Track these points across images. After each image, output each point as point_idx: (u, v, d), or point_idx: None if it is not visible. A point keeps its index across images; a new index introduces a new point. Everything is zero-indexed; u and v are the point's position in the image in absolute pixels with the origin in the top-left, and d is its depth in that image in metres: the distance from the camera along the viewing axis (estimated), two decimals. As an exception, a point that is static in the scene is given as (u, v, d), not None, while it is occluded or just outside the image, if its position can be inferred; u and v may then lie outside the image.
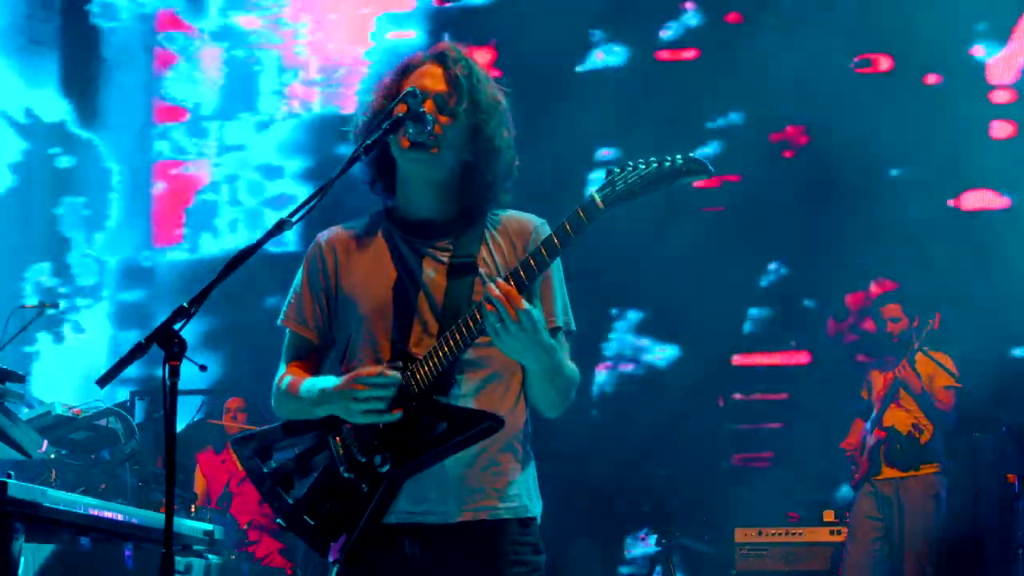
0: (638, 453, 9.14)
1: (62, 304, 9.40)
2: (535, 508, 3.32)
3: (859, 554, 7.94)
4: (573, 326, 3.37)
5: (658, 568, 8.37)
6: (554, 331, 3.27)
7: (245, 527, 8.12)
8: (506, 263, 3.28)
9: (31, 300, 9.92)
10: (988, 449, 8.22)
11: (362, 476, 3.20)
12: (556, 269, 3.33)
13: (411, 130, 3.22)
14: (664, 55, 10.41)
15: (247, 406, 9.06)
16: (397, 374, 3.12)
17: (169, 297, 10.46)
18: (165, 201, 11.38)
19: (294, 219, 3.08)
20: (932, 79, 9.73)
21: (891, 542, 7.90)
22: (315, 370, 3.40)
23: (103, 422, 6.13)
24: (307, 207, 3.11)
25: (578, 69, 10.45)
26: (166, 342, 2.87)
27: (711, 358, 9.70)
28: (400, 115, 3.20)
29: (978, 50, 9.66)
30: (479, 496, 3.21)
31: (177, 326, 2.90)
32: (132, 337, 9.29)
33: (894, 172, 9.71)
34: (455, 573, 3.20)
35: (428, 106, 3.25)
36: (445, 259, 3.30)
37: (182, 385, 2.92)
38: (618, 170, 3.02)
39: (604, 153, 10.22)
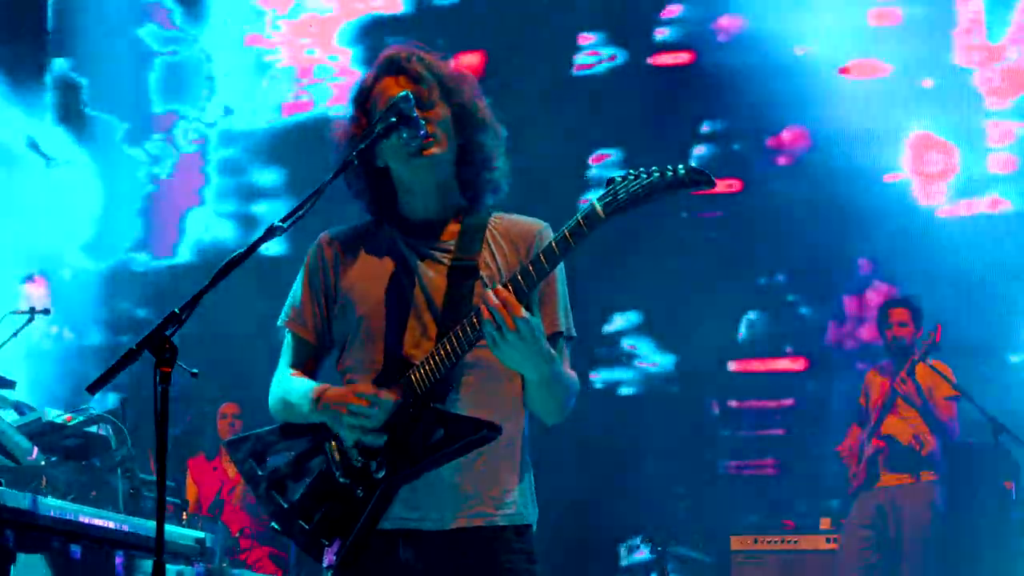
0: (632, 460, 9.12)
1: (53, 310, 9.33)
2: (531, 516, 3.30)
3: (849, 563, 7.90)
4: (574, 332, 3.36)
5: (653, 576, 8.33)
6: (555, 336, 3.27)
7: (237, 534, 8.09)
8: (508, 266, 3.27)
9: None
10: (985, 456, 8.18)
11: (357, 481, 3.18)
12: (559, 273, 3.32)
13: (404, 136, 3.20)
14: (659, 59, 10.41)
15: (242, 412, 9.03)
16: (392, 399, 3.11)
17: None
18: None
19: (286, 224, 3.06)
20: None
21: (886, 551, 7.86)
22: (315, 371, 3.41)
23: (94, 429, 6.09)
24: (299, 213, 3.09)
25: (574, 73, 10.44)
26: (157, 348, 2.86)
27: (707, 365, 9.69)
28: (392, 120, 3.18)
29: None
30: (474, 503, 3.19)
31: (168, 332, 2.88)
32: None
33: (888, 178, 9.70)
34: (449, 580, 3.18)
35: (415, 110, 3.21)
36: (446, 261, 3.28)
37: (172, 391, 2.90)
38: (619, 179, 2.99)
39: (595, 160, 10.21)
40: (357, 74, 10.64)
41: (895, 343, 8.04)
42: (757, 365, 9.90)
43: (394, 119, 3.18)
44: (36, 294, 10.51)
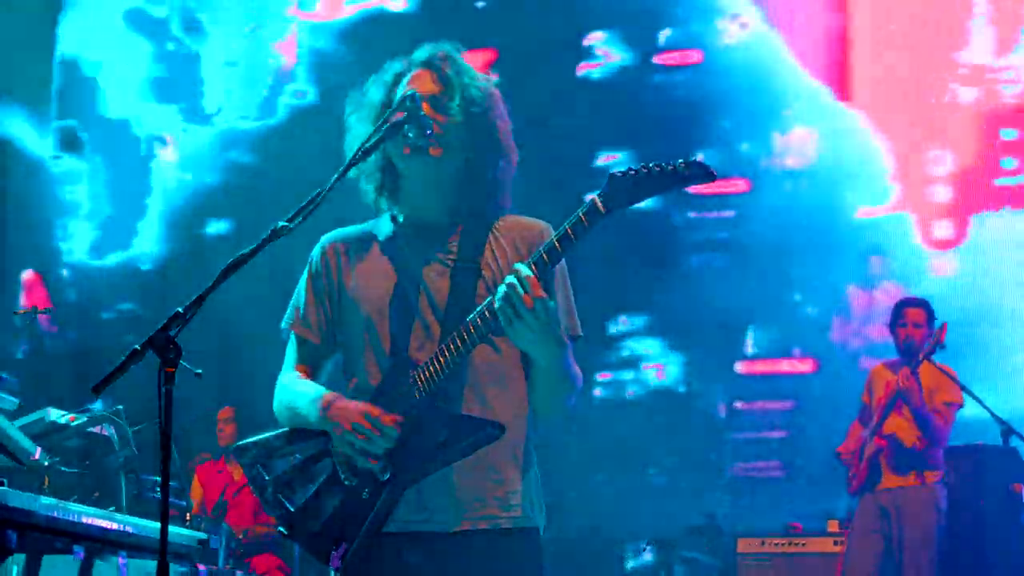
0: (639, 462, 9.10)
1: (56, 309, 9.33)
2: (537, 518, 3.30)
3: (856, 566, 7.84)
4: (580, 331, 3.35)
5: (659, 578, 8.31)
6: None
7: (240, 536, 8.06)
8: (510, 267, 3.21)
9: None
10: (993, 458, 8.13)
11: (363, 484, 3.18)
12: (562, 273, 3.31)
13: (411, 134, 3.20)
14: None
15: (236, 416, 9.00)
16: (396, 432, 3.10)
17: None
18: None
19: (291, 225, 3.05)
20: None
21: (890, 554, 7.80)
22: (319, 373, 3.40)
23: (97, 429, 6.07)
24: (303, 213, 3.08)
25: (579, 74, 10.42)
26: (162, 348, 2.85)
27: (714, 366, 9.67)
28: (399, 119, 3.19)
29: None
30: (480, 505, 3.19)
31: (173, 332, 2.87)
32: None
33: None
34: (456, 582, 3.17)
35: (424, 109, 3.23)
36: (449, 263, 3.28)
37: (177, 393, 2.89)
38: (619, 174, 2.99)
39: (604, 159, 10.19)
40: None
41: (908, 343, 7.95)
42: (764, 366, 9.87)
43: (400, 117, 3.19)
44: (38, 293, 10.50)
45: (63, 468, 5.70)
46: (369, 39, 10.87)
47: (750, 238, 9.56)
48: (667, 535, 8.35)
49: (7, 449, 5.16)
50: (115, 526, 4.90)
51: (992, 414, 7.83)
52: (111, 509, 5.21)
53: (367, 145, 3.19)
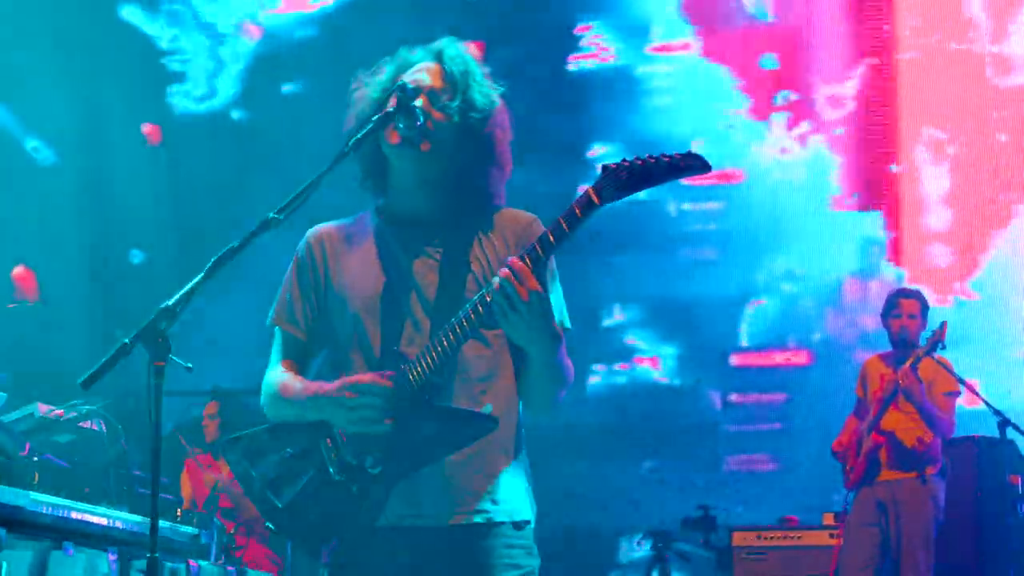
0: (633, 455, 9.10)
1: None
2: (529, 511, 3.28)
3: (852, 560, 7.80)
4: (568, 323, 3.32)
5: (655, 572, 8.28)
6: None
7: (232, 531, 8.03)
8: (500, 261, 3.22)
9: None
10: (990, 450, 8.12)
11: (353, 478, 3.16)
12: (551, 267, 3.27)
13: (401, 125, 3.17)
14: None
15: (219, 410, 8.95)
16: (389, 384, 3.07)
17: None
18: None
19: (281, 216, 3.03)
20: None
21: (887, 547, 7.78)
22: (306, 369, 3.37)
23: (87, 424, 6.04)
24: (294, 204, 3.06)
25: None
26: (151, 342, 2.84)
27: (708, 358, 9.67)
28: (390, 109, 3.16)
29: None
30: (471, 499, 3.17)
31: (162, 326, 2.87)
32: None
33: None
34: (447, 576, 3.16)
35: (422, 101, 3.20)
36: (437, 256, 3.26)
37: (167, 387, 2.89)
38: (613, 166, 2.97)
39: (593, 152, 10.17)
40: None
41: (902, 334, 7.90)
42: (758, 358, 9.86)
43: (391, 108, 3.16)
44: (27, 287, 10.45)
45: (52, 463, 5.68)
46: (355, 28, 10.82)
47: (744, 228, 9.57)
48: (661, 528, 8.32)
49: (-4, 445, 5.15)
50: (105, 522, 4.90)
51: (988, 405, 7.82)
52: (101, 504, 5.19)
53: (358, 136, 3.17)
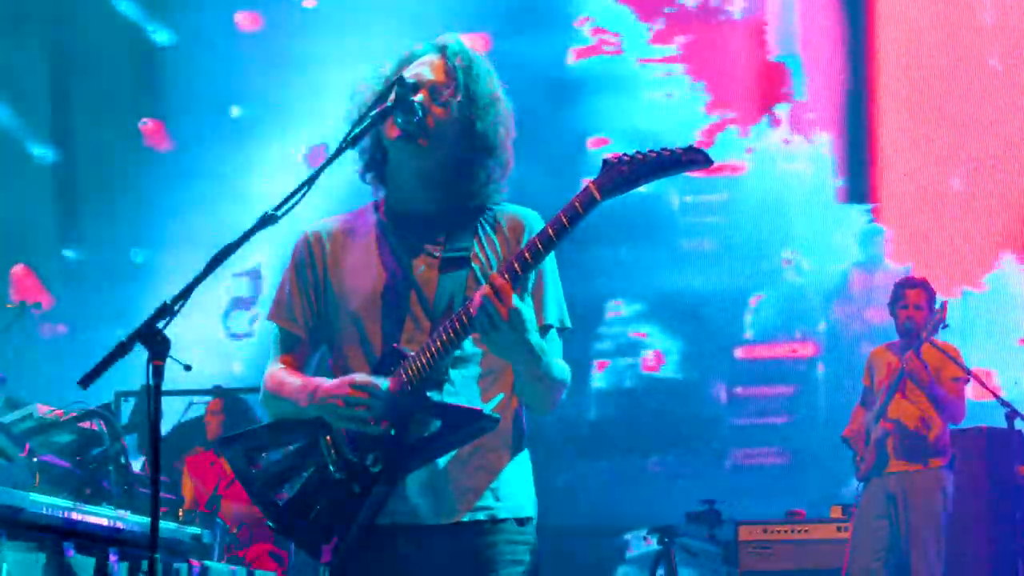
0: (638, 450, 9.09)
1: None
2: (531, 507, 3.26)
3: (861, 552, 7.78)
4: (568, 323, 3.31)
5: (660, 567, 8.25)
6: (544, 329, 3.22)
7: (235, 530, 8.01)
8: (499, 258, 3.23)
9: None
10: (998, 441, 8.09)
11: (353, 476, 3.14)
12: (549, 263, 3.26)
13: (399, 119, 3.15)
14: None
15: (223, 407, 8.94)
16: (387, 384, 3.06)
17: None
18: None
19: (280, 212, 3.01)
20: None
21: (896, 539, 7.76)
22: (305, 366, 3.36)
23: (87, 424, 6.02)
24: (293, 200, 3.04)
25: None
26: (150, 341, 2.83)
27: (713, 351, 9.66)
28: (389, 103, 3.14)
29: None
30: (473, 496, 3.16)
31: (161, 324, 2.85)
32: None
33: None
34: (450, 574, 3.16)
35: (423, 96, 3.18)
36: (437, 254, 3.24)
37: (167, 385, 2.87)
38: (614, 160, 2.96)
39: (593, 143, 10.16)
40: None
41: (908, 324, 7.89)
42: (764, 351, 9.84)
43: (390, 103, 3.14)
44: (27, 287, 10.45)
45: (52, 464, 5.66)
46: (364, 21, 10.80)
47: (747, 221, 9.56)
48: (667, 523, 8.29)
49: (-5, 446, 5.13)
50: (106, 522, 4.87)
51: (996, 396, 7.80)
52: (102, 505, 5.17)
53: (355, 131, 3.15)
